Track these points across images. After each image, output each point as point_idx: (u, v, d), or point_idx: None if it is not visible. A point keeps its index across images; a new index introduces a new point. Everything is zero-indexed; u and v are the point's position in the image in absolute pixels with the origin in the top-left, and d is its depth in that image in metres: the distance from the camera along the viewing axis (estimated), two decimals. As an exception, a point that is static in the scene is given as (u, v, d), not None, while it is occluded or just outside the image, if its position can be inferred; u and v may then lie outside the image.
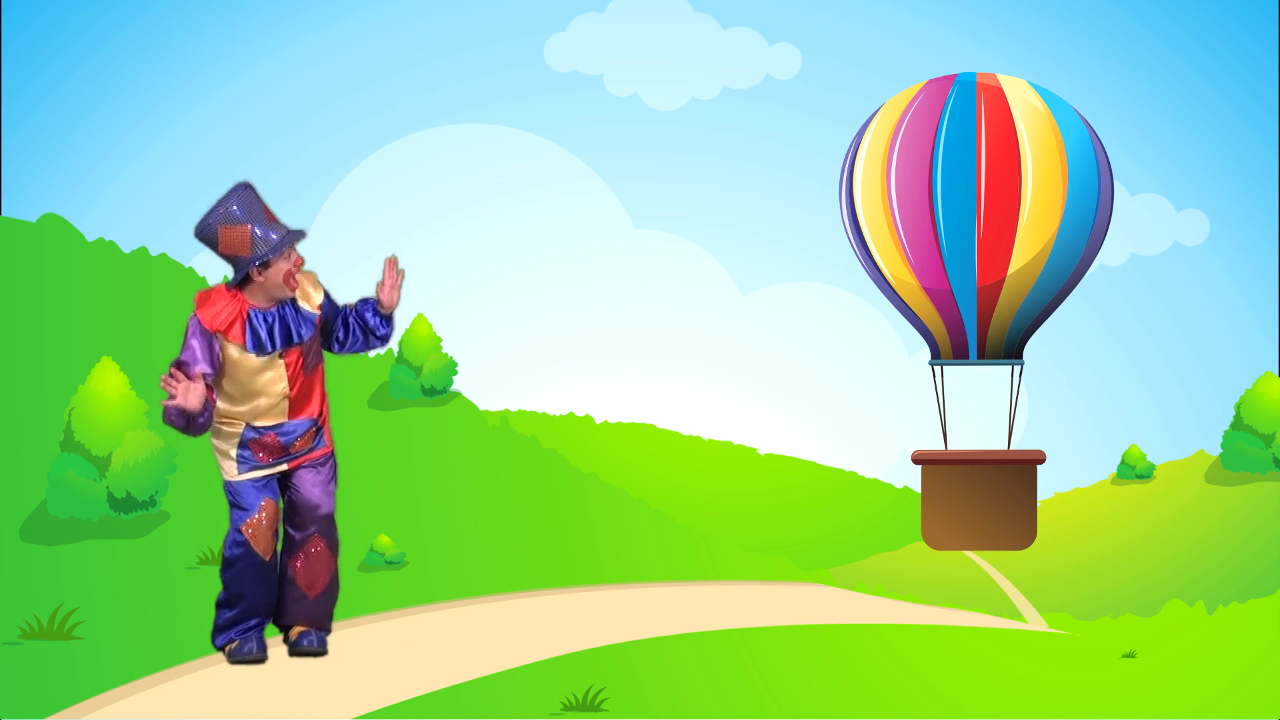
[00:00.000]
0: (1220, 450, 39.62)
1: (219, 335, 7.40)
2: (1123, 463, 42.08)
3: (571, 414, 45.35)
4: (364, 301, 7.79)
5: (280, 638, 8.06)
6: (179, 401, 7.23)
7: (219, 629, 7.81)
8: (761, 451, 48.20)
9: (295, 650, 7.87)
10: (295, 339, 7.54)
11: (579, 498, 19.63)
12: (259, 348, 7.45)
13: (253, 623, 7.76)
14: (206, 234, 7.39)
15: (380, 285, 7.71)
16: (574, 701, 7.74)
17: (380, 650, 8.71)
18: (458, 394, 24.71)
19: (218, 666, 8.16)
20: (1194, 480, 40.10)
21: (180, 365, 7.38)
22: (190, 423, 7.33)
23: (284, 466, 7.65)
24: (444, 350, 25.21)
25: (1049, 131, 11.48)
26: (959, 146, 11.44)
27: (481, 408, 24.67)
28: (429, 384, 24.61)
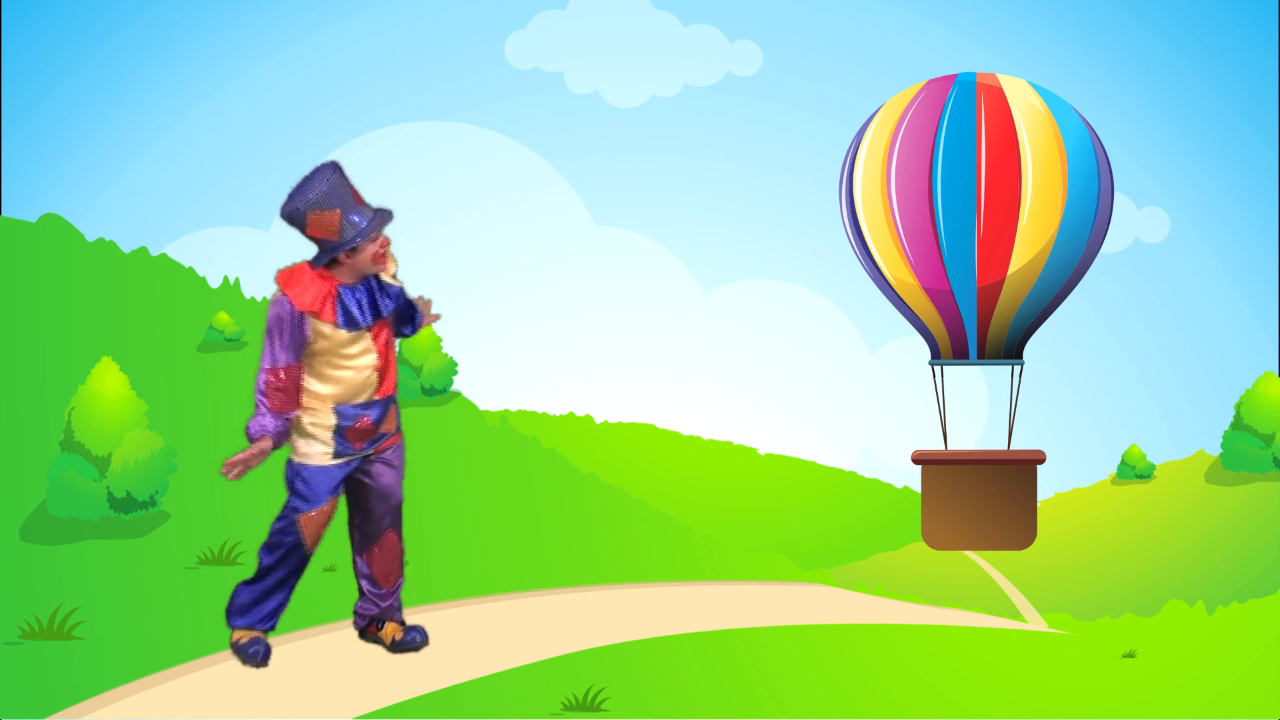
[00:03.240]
0: (1220, 450, 39.62)
1: (310, 316, 7.31)
2: (1123, 463, 42.10)
3: (571, 414, 45.36)
4: (410, 301, 7.85)
5: (277, 636, 8.05)
6: (255, 465, 7.26)
7: (240, 608, 7.64)
8: (761, 451, 48.23)
9: (400, 649, 7.81)
10: (383, 311, 7.49)
11: (579, 498, 19.62)
12: (350, 323, 7.37)
13: (270, 607, 7.66)
14: (295, 218, 7.32)
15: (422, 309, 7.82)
16: (574, 701, 7.74)
17: (380, 650, 8.70)
18: (458, 394, 24.71)
19: (218, 666, 8.16)
20: (1194, 480, 40.11)
21: (275, 373, 7.35)
22: (281, 444, 7.38)
23: (370, 451, 7.58)
24: (444, 350, 25.22)
25: (1049, 131, 11.48)
26: (959, 146, 11.44)
27: (481, 408, 24.67)
28: (429, 384, 24.61)
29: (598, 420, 46.08)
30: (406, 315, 7.85)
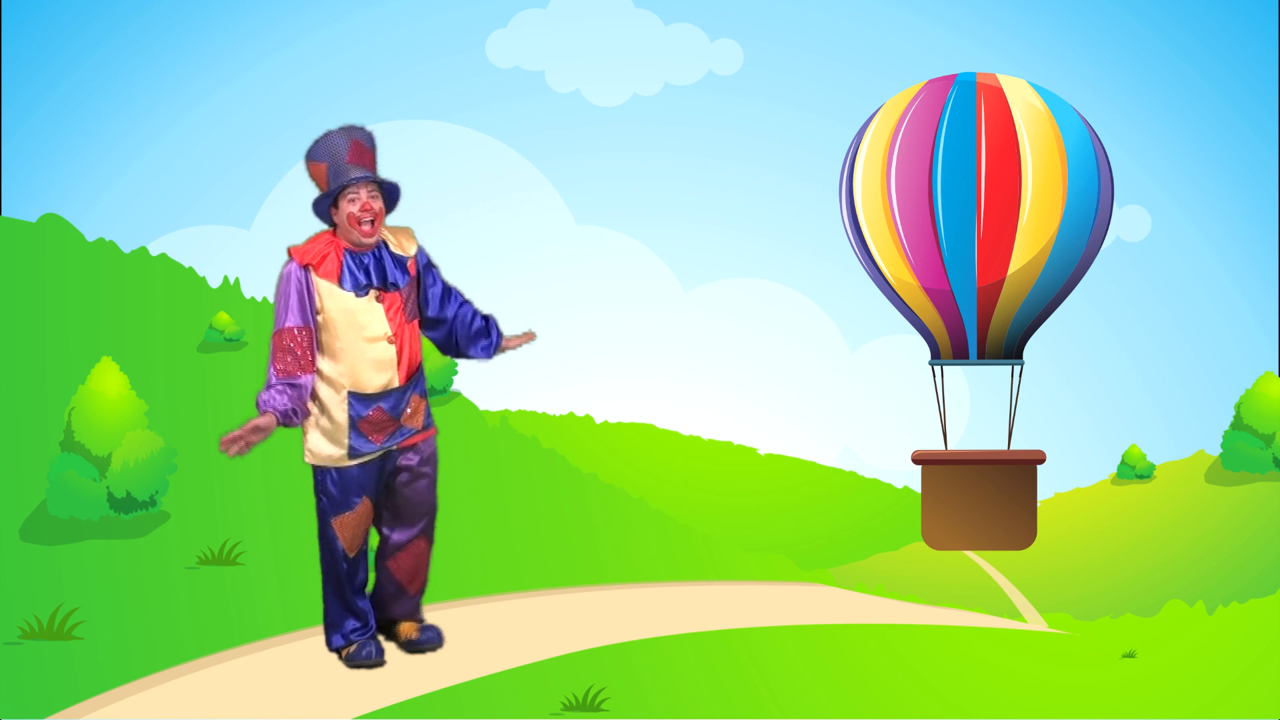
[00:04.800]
0: (1220, 450, 39.60)
1: (312, 270, 7.27)
2: (1123, 463, 42.08)
3: (571, 414, 45.33)
4: (488, 318, 7.75)
5: (277, 636, 8.05)
6: (255, 441, 7.08)
7: (329, 627, 7.62)
8: (761, 451, 48.22)
9: (415, 649, 7.77)
10: (396, 281, 7.41)
11: (579, 498, 19.60)
12: (355, 285, 7.31)
13: (357, 624, 7.61)
14: (307, 167, 7.45)
15: (510, 340, 7.76)
16: (574, 701, 7.75)
17: (380, 650, 8.69)
18: (458, 394, 24.69)
19: (218, 666, 8.16)
20: (1194, 480, 40.09)
21: (281, 335, 7.27)
22: (289, 422, 7.24)
23: (395, 445, 7.41)
24: (444, 350, 25.17)
25: (1049, 131, 11.48)
26: (959, 146, 11.45)
27: (481, 408, 24.65)
28: (429, 384, 24.61)
29: (598, 420, 46.07)
30: (470, 326, 7.73)
